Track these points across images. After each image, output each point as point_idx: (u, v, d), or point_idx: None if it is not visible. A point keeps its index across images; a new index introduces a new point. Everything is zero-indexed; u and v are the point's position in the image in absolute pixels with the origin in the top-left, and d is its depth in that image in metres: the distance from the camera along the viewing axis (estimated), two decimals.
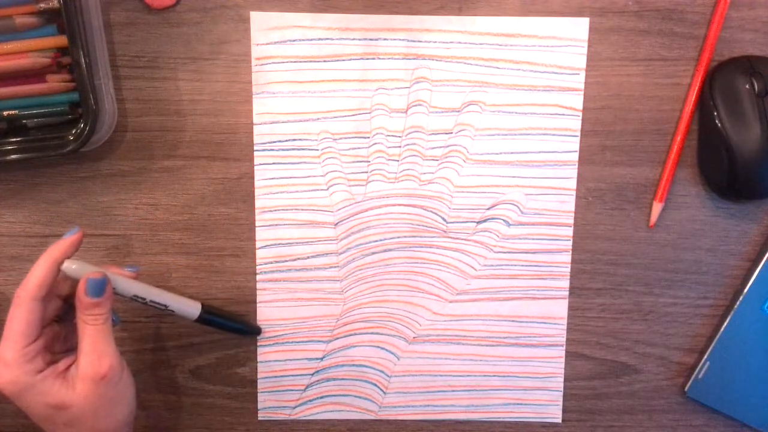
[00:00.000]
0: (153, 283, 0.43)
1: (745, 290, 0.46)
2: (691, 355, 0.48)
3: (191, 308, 0.44)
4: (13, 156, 0.43)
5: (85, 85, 0.42)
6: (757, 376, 0.47)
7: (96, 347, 0.37)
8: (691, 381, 0.47)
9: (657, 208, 0.46)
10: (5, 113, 0.43)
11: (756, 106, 0.43)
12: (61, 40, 0.42)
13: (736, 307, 0.46)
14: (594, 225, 0.47)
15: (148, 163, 0.46)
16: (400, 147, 0.46)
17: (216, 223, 0.47)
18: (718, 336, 0.47)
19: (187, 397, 0.49)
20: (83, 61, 0.41)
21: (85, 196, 0.46)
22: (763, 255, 0.46)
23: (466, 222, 0.47)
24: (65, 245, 0.38)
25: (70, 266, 0.38)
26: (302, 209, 0.46)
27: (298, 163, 0.46)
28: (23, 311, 0.36)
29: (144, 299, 0.41)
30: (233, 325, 0.46)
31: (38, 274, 0.37)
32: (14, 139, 0.43)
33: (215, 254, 0.47)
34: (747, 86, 0.43)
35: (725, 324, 0.46)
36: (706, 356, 0.47)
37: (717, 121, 0.43)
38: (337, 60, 0.45)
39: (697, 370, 0.47)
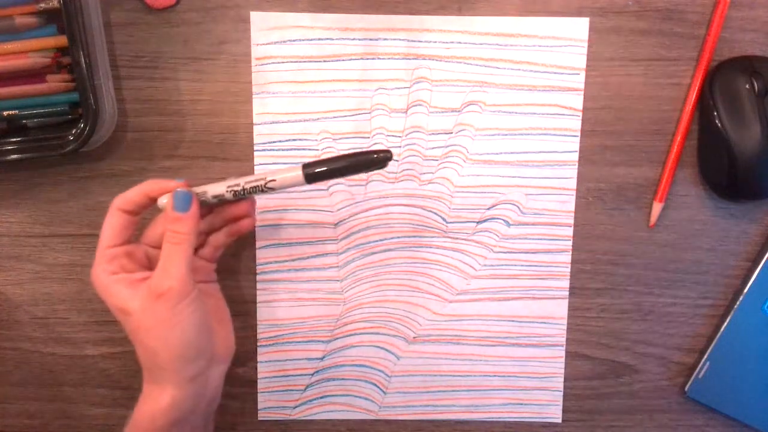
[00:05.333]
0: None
1: (745, 290, 0.46)
2: (691, 355, 0.48)
3: (293, 172, 0.39)
4: (13, 156, 0.43)
5: (85, 85, 0.42)
6: (757, 376, 0.47)
7: (165, 265, 0.37)
8: (691, 381, 0.47)
9: (657, 208, 0.46)
10: (5, 113, 0.43)
11: (756, 106, 0.43)
12: (61, 40, 0.42)
13: (736, 307, 0.46)
14: (594, 225, 0.47)
15: (148, 163, 0.46)
16: (400, 147, 0.46)
17: None
18: (718, 336, 0.47)
19: None
20: (83, 61, 0.41)
21: (85, 196, 0.46)
22: (763, 255, 0.46)
23: (466, 222, 0.47)
24: (167, 182, 0.40)
25: (162, 200, 0.40)
26: (302, 209, 0.46)
27: (298, 163, 0.46)
28: (107, 217, 0.40)
29: (240, 189, 0.39)
30: (355, 162, 0.38)
31: (131, 191, 0.40)
32: (14, 139, 0.43)
33: None
34: (747, 86, 0.43)
35: (725, 324, 0.46)
36: (706, 356, 0.47)
37: (717, 121, 0.43)
38: (337, 60, 0.45)
39: (697, 370, 0.47)
